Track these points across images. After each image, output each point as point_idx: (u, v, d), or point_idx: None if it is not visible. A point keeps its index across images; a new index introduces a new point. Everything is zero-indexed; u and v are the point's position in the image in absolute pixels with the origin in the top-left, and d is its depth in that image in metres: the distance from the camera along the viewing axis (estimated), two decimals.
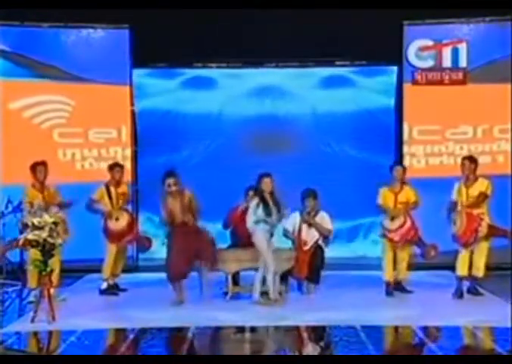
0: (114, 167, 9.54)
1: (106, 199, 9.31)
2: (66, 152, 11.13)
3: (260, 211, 8.53)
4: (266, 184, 8.57)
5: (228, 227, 9.42)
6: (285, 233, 9.25)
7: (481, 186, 8.84)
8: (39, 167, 9.10)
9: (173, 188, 8.56)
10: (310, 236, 9.06)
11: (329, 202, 9.57)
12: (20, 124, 10.98)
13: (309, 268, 8.99)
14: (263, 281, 9.15)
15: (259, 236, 8.54)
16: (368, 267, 10.39)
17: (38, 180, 9.09)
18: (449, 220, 8.83)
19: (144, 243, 9.67)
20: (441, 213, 8.95)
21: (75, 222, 8.96)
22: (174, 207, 8.58)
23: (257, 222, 8.54)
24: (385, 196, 9.13)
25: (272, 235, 8.66)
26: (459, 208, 8.80)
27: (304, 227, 9.07)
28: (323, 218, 9.16)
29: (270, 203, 8.55)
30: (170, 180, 8.56)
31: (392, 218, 8.95)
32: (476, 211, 8.73)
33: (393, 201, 9.06)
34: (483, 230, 8.67)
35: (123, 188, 9.51)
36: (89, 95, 11.02)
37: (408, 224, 8.90)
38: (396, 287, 9.12)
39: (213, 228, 9.23)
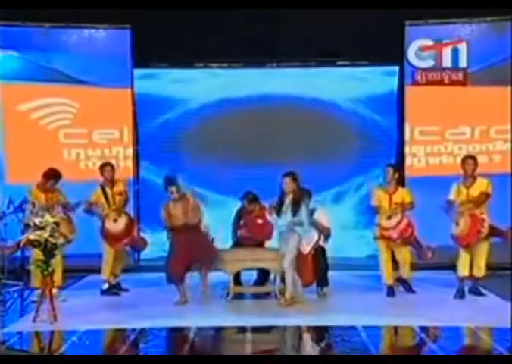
0: (104, 167, 9.54)
1: (103, 200, 9.33)
2: (71, 151, 11.27)
3: (272, 210, 8.54)
4: (286, 184, 8.47)
5: (237, 225, 9.44)
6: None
7: (481, 185, 8.84)
8: (52, 180, 9.16)
9: (176, 195, 8.59)
10: (310, 237, 8.79)
11: None
12: (26, 126, 11.16)
13: (314, 273, 8.85)
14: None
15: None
16: (368, 267, 10.41)
17: (44, 185, 9.16)
18: (447, 219, 8.85)
19: (139, 244, 9.71)
20: (440, 211, 8.97)
21: (79, 217, 9.19)
22: (176, 212, 8.61)
23: (271, 217, 8.53)
24: (379, 197, 9.12)
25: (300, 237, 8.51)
26: (461, 209, 8.80)
27: None
28: (322, 217, 8.96)
29: (285, 203, 8.47)
30: (173, 188, 8.58)
31: (389, 217, 8.95)
32: (477, 211, 8.74)
33: (387, 201, 9.05)
34: (485, 231, 8.68)
35: (119, 187, 9.49)
36: (92, 98, 11.17)
37: (405, 221, 8.90)
38: (402, 284, 9.15)
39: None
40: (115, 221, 9.26)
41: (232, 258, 8.90)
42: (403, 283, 9.19)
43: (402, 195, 9.11)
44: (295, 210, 8.41)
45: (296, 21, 11.06)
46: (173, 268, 8.56)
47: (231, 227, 9.48)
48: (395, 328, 7.60)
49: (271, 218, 8.62)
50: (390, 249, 9.06)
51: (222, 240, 9.39)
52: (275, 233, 8.88)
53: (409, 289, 9.15)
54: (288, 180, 8.47)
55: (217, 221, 9.68)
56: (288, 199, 8.47)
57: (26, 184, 9.41)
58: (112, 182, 9.46)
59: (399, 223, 8.88)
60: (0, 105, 11.13)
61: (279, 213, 8.46)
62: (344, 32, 10.99)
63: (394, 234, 8.90)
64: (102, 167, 9.56)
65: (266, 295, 8.91)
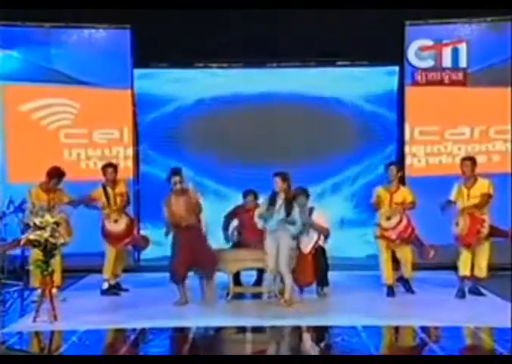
0: (106, 168, 9.55)
1: (104, 199, 9.37)
2: (71, 151, 11.32)
3: (263, 209, 8.54)
4: (276, 184, 8.49)
5: (228, 225, 9.41)
6: None
7: (482, 186, 8.85)
8: (55, 179, 9.14)
9: (178, 186, 8.61)
10: (309, 237, 8.83)
11: None
12: (27, 126, 11.20)
13: (314, 273, 8.87)
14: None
15: (266, 235, 8.56)
16: (369, 267, 10.42)
17: (47, 184, 9.16)
18: (446, 219, 8.86)
19: (140, 243, 9.74)
20: (439, 211, 8.99)
21: (80, 216, 9.20)
22: (178, 205, 8.61)
23: (259, 217, 8.54)
24: (380, 196, 9.12)
25: (295, 238, 8.57)
26: (460, 209, 8.81)
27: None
28: (320, 217, 8.97)
29: (278, 203, 8.50)
30: (176, 178, 8.61)
31: (388, 218, 8.95)
32: (477, 211, 8.74)
33: (388, 200, 9.05)
34: (485, 231, 8.68)
35: (120, 188, 9.51)
36: (93, 98, 11.21)
37: (404, 222, 8.89)
38: (402, 284, 9.16)
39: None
40: (116, 221, 9.29)
41: (232, 258, 8.90)
42: (404, 282, 9.18)
43: (403, 194, 9.11)
44: (289, 209, 8.43)
45: (296, 21, 11.06)
46: (175, 267, 8.57)
47: (222, 230, 9.45)
48: (395, 328, 7.60)
49: (258, 219, 8.60)
50: (390, 248, 9.06)
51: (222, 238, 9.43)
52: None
53: (409, 289, 9.15)
54: (278, 179, 8.50)
55: (217, 219, 9.67)
56: (280, 199, 8.49)
57: (27, 184, 9.44)
58: (114, 182, 9.49)
59: (398, 223, 8.87)
60: (1, 106, 11.17)
61: (272, 213, 8.47)
62: (344, 32, 10.98)
63: (393, 235, 8.90)
64: (105, 168, 9.57)
65: (266, 295, 8.91)
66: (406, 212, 9.03)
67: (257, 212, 8.63)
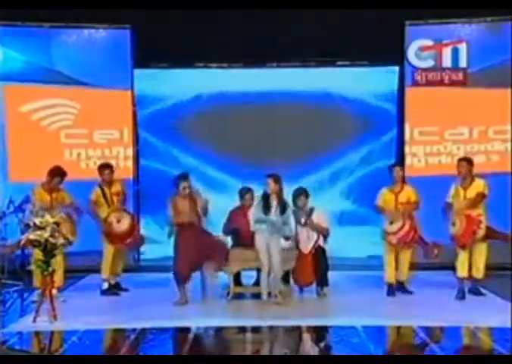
0: (104, 169, 9.52)
1: (102, 199, 9.37)
2: (72, 151, 11.33)
3: (259, 211, 8.55)
4: (269, 185, 8.55)
5: (229, 228, 9.39)
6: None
7: (478, 186, 8.86)
8: (57, 178, 9.11)
9: (187, 191, 8.65)
10: (309, 237, 8.91)
11: None
12: (28, 127, 11.21)
13: (315, 273, 8.90)
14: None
15: (257, 236, 8.58)
16: (369, 267, 10.42)
17: (49, 184, 9.13)
18: (445, 220, 8.86)
19: (138, 242, 9.72)
20: (438, 210, 8.99)
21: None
22: (184, 208, 8.66)
23: (256, 222, 8.56)
24: (385, 197, 9.12)
25: (286, 238, 8.64)
26: (457, 209, 8.81)
27: (301, 228, 8.94)
28: (319, 217, 9.00)
29: (273, 204, 8.53)
30: (185, 183, 8.65)
31: (391, 222, 8.95)
32: (474, 212, 8.75)
33: (393, 201, 9.06)
34: (481, 232, 8.68)
35: (117, 187, 9.51)
36: (93, 98, 11.22)
37: (406, 226, 8.87)
38: (398, 288, 9.13)
39: None
40: (118, 221, 9.27)
41: (233, 257, 8.90)
42: (399, 285, 9.16)
43: (408, 194, 9.12)
44: (282, 211, 8.49)
45: (296, 21, 11.06)
46: (179, 267, 8.56)
47: (223, 231, 9.45)
48: (395, 328, 7.61)
49: (253, 224, 8.62)
50: (395, 250, 9.06)
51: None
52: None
53: (404, 292, 9.13)
54: (270, 181, 8.57)
55: (215, 217, 9.69)
56: (274, 201, 8.53)
57: (28, 184, 9.44)
58: (110, 183, 9.48)
59: (400, 229, 8.87)
60: (2, 106, 11.18)
61: (266, 213, 8.49)
62: (344, 32, 10.98)
63: (394, 240, 8.91)
64: (101, 169, 9.56)
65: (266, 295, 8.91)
66: (412, 214, 9.01)
67: (252, 217, 8.64)
